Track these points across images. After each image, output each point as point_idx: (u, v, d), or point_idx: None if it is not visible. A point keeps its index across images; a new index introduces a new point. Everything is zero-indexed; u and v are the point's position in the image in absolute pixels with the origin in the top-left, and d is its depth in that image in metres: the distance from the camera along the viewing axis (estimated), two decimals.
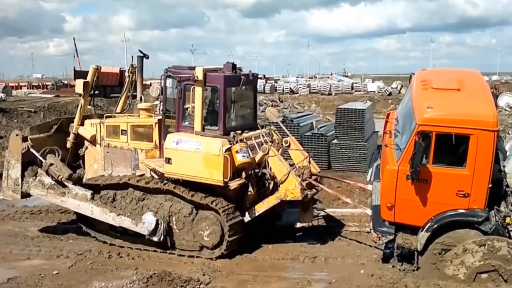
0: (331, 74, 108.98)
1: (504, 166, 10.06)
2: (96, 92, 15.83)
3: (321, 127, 22.57)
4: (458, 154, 9.56)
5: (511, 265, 9.04)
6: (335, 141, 20.34)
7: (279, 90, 61.63)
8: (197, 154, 11.78)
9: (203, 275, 11.00)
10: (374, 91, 57.17)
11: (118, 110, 14.82)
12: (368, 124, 20.89)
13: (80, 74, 46.12)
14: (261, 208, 12.19)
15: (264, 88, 60.04)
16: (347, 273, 10.68)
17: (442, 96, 9.91)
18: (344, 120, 19.89)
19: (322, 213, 14.56)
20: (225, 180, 11.61)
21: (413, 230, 9.99)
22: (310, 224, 13.19)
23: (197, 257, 12.22)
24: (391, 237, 10.26)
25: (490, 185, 9.47)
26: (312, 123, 23.10)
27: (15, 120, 28.95)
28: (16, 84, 69.19)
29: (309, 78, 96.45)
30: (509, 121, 36.82)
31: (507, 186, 10.01)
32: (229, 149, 11.65)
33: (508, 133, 19.76)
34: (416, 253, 10.03)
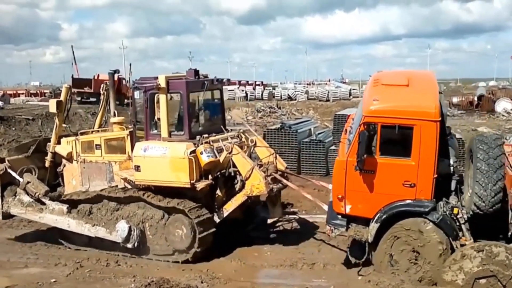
0: (329, 81, 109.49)
1: (455, 161, 10.36)
2: (94, 99, 16.28)
3: (319, 134, 22.81)
4: (404, 145, 9.85)
5: (510, 270, 9.09)
6: (333, 147, 20.40)
7: (277, 96, 62.32)
8: (164, 159, 12.07)
9: (201, 282, 10.98)
10: None
11: (96, 126, 15.20)
12: None
13: (78, 82, 46.53)
14: (230, 207, 12.41)
15: (262, 94, 61.10)
16: (345, 279, 10.70)
17: (389, 91, 10.32)
18: (342, 126, 19.81)
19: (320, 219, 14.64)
20: (192, 182, 11.87)
21: (366, 222, 10.21)
22: (280, 218, 13.41)
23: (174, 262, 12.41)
24: (343, 229, 10.45)
25: (436, 176, 9.74)
26: (310, 129, 23.37)
27: (13, 128, 28.69)
28: (14, 92, 68.76)
29: (307, 84, 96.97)
30: (507, 127, 36.96)
31: (458, 181, 10.33)
32: (193, 152, 11.94)
33: (506, 138, 19.90)
34: (367, 244, 10.25)
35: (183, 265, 12.14)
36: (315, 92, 61.37)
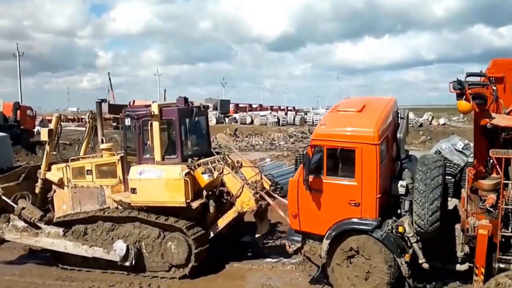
0: None
1: (410, 183, 10.89)
2: None
3: None
4: (347, 166, 10.66)
5: None
6: None
7: (309, 122, 62.31)
8: (160, 181, 12.98)
9: None
10: None
11: (81, 153, 15.91)
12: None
13: (114, 108, 46.50)
14: (222, 223, 13.43)
15: (294, 120, 60.88)
16: None
17: (340, 116, 11.33)
18: None
19: None
20: (187, 201, 12.84)
21: (321, 239, 10.96)
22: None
23: (171, 278, 13.22)
24: (299, 245, 11.30)
25: (379, 196, 10.44)
26: None
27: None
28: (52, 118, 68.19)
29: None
30: None
31: (411, 202, 10.71)
32: (188, 173, 12.92)
33: None
34: (320, 260, 11.10)
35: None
36: None
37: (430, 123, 58.20)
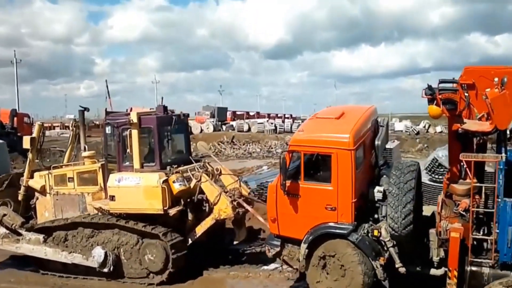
0: None
1: (387, 189, 10.87)
2: None
3: None
4: (324, 171, 10.90)
5: None
6: None
7: None
8: (138, 188, 13.17)
9: None
10: (402, 130, 56.43)
11: (65, 161, 16.08)
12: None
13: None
14: (200, 230, 13.58)
15: (291, 127, 60.38)
16: None
17: (318, 123, 11.53)
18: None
19: None
20: (165, 208, 13.01)
21: (300, 243, 11.06)
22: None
23: (149, 285, 13.38)
24: (278, 249, 11.44)
25: (354, 200, 10.58)
26: None
27: (48, 160, 28.61)
28: (50, 125, 68.86)
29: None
30: None
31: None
32: (166, 181, 13.10)
33: None
34: (298, 264, 11.17)
35: None
36: None
37: (427, 131, 57.91)
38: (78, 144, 16.14)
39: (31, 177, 15.33)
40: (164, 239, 13.10)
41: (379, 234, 10.62)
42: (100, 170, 14.46)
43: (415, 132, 55.95)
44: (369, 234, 10.70)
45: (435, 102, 10.16)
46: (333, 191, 10.67)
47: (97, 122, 72.05)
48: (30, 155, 15.39)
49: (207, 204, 13.91)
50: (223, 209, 13.28)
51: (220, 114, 68.91)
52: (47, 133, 55.57)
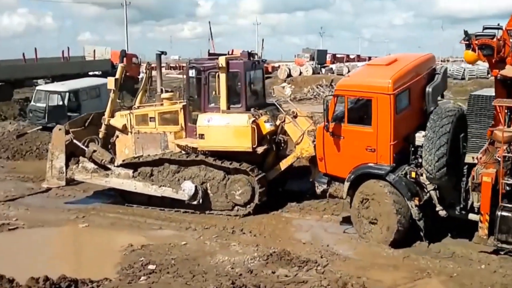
0: None
1: (425, 133, 11.16)
2: None
3: None
4: (365, 115, 11.74)
5: None
6: None
7: None
8: (228, 128, 14.21)
9: (321, 257, 11.27)
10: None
11: (137, 103, 16.93)
12: None
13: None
14: (283, 166, 14.84)
15: None
16: (469, 267, 10.64)
17: (367, 69, 12.54)
18: (477, 108, 15.53)
19: None
20: (253, 146, 14.13)
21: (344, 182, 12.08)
22: None
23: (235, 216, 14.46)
24: (325, 187, 12.54)
25: (393, 143, 11.35)
26: None
27: (153, 99, 28.56)
28: (155, 65, 68.98)
29: (441, 61, 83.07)
30: None
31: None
32: (254, 121, 14.19)
33: None
34: (343, 202, 12.45)
35: (303, 239, 12.63)
36: (450, 70, 50.65)
37: None
38: (151, 86, 17.00)
39: (112, 116, 16.24)
40: (251, 174, 14.28)
41: (416, 176, 11.32)
42: (182, 111, 15.41)
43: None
44: (407, 176, 11.42)
45: (471, 48, 10.55)
46: (373, 133, 11.53)
47: None
48: (112, 95, 16.23)
49: (283, 145, 15.15)
50: (305, 148, 14.41)
51: (320, 57, 66.49)
52: (153, 73, 55.64)
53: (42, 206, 15.86)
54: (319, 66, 60.87)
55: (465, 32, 10.68)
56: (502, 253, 10.80)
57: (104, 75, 33.26)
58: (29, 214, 15.12)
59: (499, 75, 10.79)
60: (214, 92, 14.86)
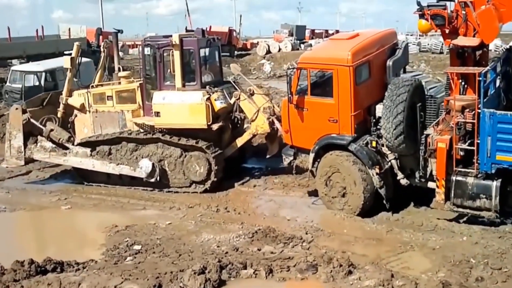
0: None
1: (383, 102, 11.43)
2: None
3: (430, 88, 20.75)
4: (327, 87, 12.12)
5: None
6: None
7: None
8: (183, 105, 14.31)
9: (306, 233, 11.34)
10: (491, 50, 49.12)
11: (96, 81, 16.86)
12: None
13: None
14: (238, 143, 15.02)
15: None
16: (451, 239, 10.74)
17: (329, 43, 13.12)
18: None
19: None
20: (208, 123, 14.27)
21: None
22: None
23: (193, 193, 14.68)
24: (292, 158, 12.99)
25: (354, 113, 11.76)
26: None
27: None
28: (132, 43, 66.82)
29: (419, 35, 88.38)
30: None
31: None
32: (208, 98, 14.30)
33: None
34: (308, 172, 12.83)
35: (288, 216, 12.65)
36: (428, 44, 53.14)
37: None
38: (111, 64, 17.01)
39: (70, 95, 16.23)
40: (208, 151, 14.45)
41: (377, 145, 11.76)
42: (139, 89, 15.47)
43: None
44: (368, 145, 11.84)
45: (425, 18, 10.93)
46: (334, 104, 11.94)
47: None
48: (68, 74, 16.21)
49: (240, 122, 15.31)
50: (260, 125, 14.60)
51: (299, 33, 66.03)
52: (130, 51, 57.52)
53: (23, 189, 15.82)
54: (298, 42, 60.69)
55: (418, 3, 11.03)
56: (461, 221, 11.20)
57: (81, 54, 32.80)
58: (10, 197, 15.14)
59: (451, 45, 11.18)
60: (169, 70, 14.92)
